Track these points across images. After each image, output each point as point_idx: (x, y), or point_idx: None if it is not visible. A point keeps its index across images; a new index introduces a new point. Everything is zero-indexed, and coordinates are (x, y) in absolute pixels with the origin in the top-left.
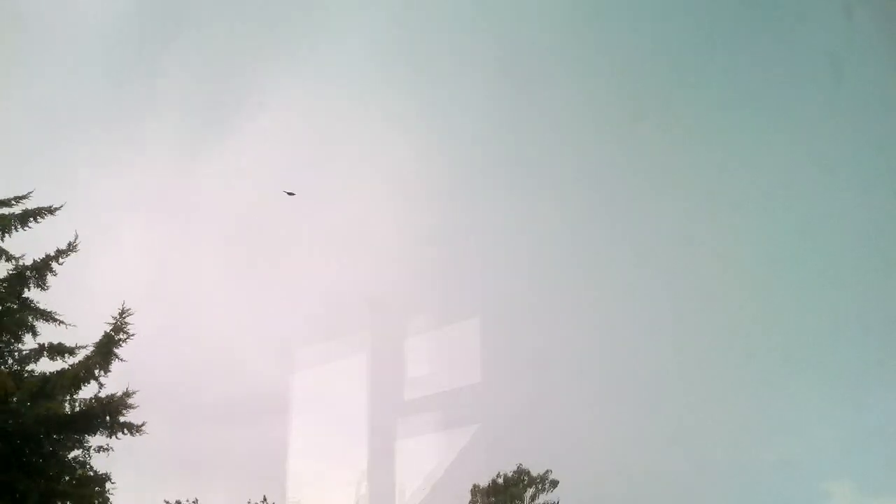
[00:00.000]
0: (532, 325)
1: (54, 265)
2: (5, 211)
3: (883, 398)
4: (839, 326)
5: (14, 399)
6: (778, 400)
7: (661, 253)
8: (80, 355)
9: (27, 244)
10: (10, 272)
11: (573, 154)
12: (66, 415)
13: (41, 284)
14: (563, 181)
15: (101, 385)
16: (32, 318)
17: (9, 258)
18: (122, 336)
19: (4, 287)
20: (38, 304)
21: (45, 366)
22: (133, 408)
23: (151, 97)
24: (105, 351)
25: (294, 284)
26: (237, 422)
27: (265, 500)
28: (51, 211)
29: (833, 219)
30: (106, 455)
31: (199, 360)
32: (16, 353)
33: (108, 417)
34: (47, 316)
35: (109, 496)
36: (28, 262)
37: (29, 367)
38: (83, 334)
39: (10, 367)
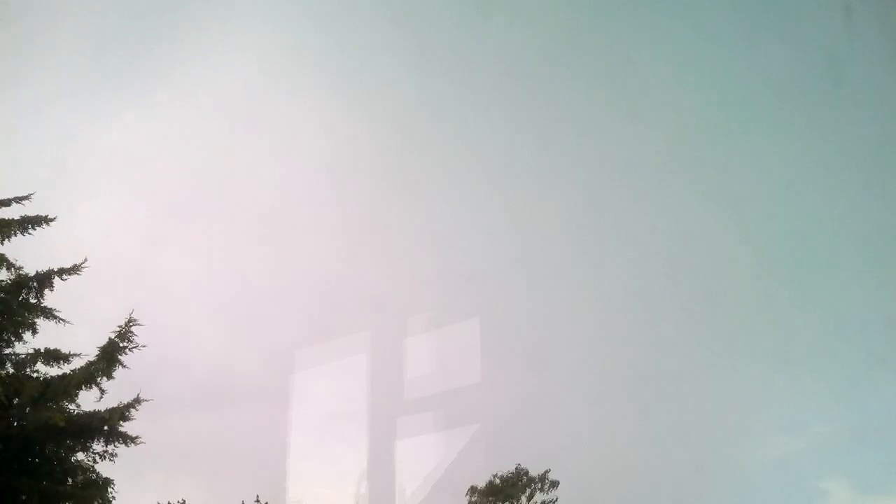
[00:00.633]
0: (532, 325)
1: (56, 280)
2: (5, 214)
3: (883, 397)
4: (839, 325)
5: (16, 401)
6: (777, 398)
7: (660, 252)
8: (75, 363)
9: (27, 245)
10: (11, 280)
11: (573, 153)
12: (64, 426)
13: (39, 297)
14: (563, 181)
15: (102, 392)
16: (32, 316)
17: (9, 266)
18: (126, 344)
19: (6, 290)
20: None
21: (43, 370)
22: (132, 419)
23: (156, 97)
24: (109, 358)
25: (294, 284)
26: (237, 421)
27: (258, 499)
28: (47, 220)
29: (833, 219)
30: (112, 462)
31: (198, 359)
32: (13, 357)
33: (105, 428)
34: (48, 313)
35: (112, 500)
36: (29, 270)
37: (27, 371)
38: (82, 333)
39: (8, 372)
